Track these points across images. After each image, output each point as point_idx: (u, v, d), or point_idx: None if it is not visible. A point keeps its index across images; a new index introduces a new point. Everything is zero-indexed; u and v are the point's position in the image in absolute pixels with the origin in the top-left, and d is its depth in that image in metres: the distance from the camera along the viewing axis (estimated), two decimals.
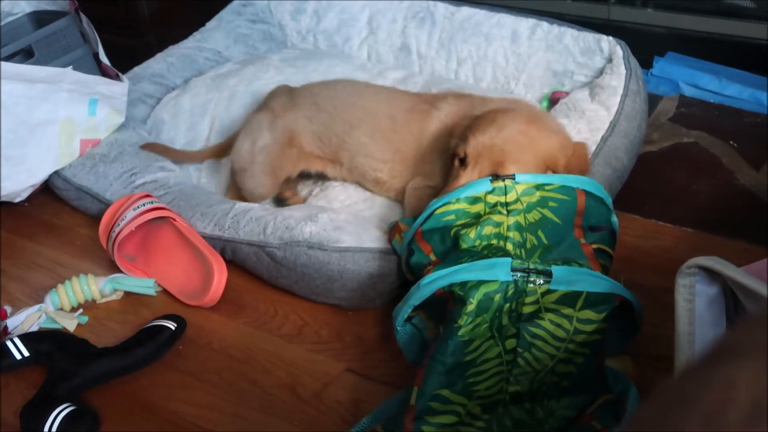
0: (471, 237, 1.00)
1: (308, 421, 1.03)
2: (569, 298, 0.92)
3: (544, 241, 1.02)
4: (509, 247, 1.00)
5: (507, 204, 1.03)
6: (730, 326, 0.84)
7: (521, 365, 0.92)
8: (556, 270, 0.92)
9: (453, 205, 1.05)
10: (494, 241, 1.01)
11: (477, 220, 1.03)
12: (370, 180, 1.37)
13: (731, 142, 1.49)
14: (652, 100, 1.60)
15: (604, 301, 0.92)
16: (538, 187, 1.04)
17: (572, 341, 0.91)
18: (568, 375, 0.92)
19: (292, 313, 1.22)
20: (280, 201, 1.42)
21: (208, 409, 1.06)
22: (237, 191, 1.44)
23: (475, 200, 1.04)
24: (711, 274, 0.82)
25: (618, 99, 1.37)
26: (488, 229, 1.01)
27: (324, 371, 1.11)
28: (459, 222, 1.04)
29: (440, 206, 1.05)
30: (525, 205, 1.03)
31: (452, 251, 1.03)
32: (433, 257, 1.05)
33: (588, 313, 0.91)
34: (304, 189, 1.47)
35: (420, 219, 1.07)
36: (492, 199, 1.03)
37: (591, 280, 0.92)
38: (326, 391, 1.08)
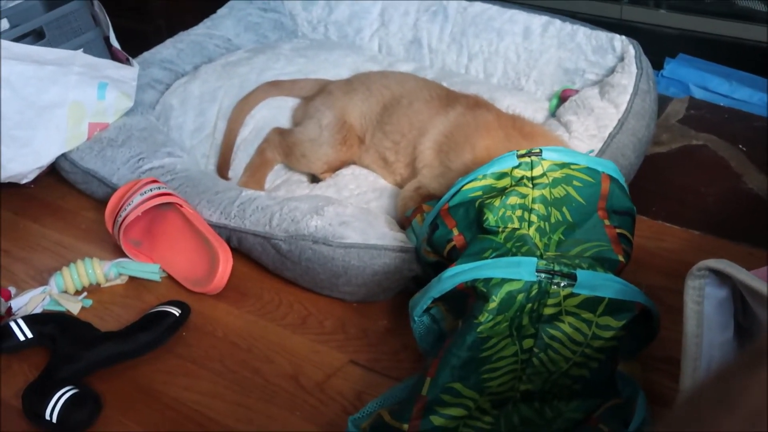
0: (496, 206, 0.99)
1: (310, 411, 1.03)
2: (591, 303, 0.91)
3: (569, 218, 1.01)
4: (534, 219, 0.99)
5: (533, 178, 1.02)
6: (738, 330, 0.84)
7: (535, 365, 0.91)
8: (581, 274, 0.91)
9: (480, 182, 1.04)
10: (519, 212, 1.00)
11: (503, 193, 1.02)
12: (380, 159, 1.41)
13: (740, 146, 1.49)
14: (662, 102, 1.59)
15: (625, 309, 0.91)
16: (564, 165, 1.04)
17: (589, 346, 0.91)
18: (580, 378, 0.92)
19: (297, 303, 1.22)
20: (314, 178, 1.48)
21: (210, 397, 1.06)
22: (251, 178, 1.46)
23: (501, 176, 1.04)
24: (721, 277, 0.82)
25: (628, 97, 1.36)
26: (513, 200, 1.00)
27: (327, 362, 1.11)
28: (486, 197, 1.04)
29: (467, 182, 1.05)
30: (551, 179, 1.02)
31: (475, 225, 1.02)
32: (456, 232, 1.04)
33: (607, 320, 0.91)
34: None
35: (447, 195, 1.06)
36: (518, 173, 1.03)
37: (614, 287, 0.91)
38: (329, 382, 1.08)
